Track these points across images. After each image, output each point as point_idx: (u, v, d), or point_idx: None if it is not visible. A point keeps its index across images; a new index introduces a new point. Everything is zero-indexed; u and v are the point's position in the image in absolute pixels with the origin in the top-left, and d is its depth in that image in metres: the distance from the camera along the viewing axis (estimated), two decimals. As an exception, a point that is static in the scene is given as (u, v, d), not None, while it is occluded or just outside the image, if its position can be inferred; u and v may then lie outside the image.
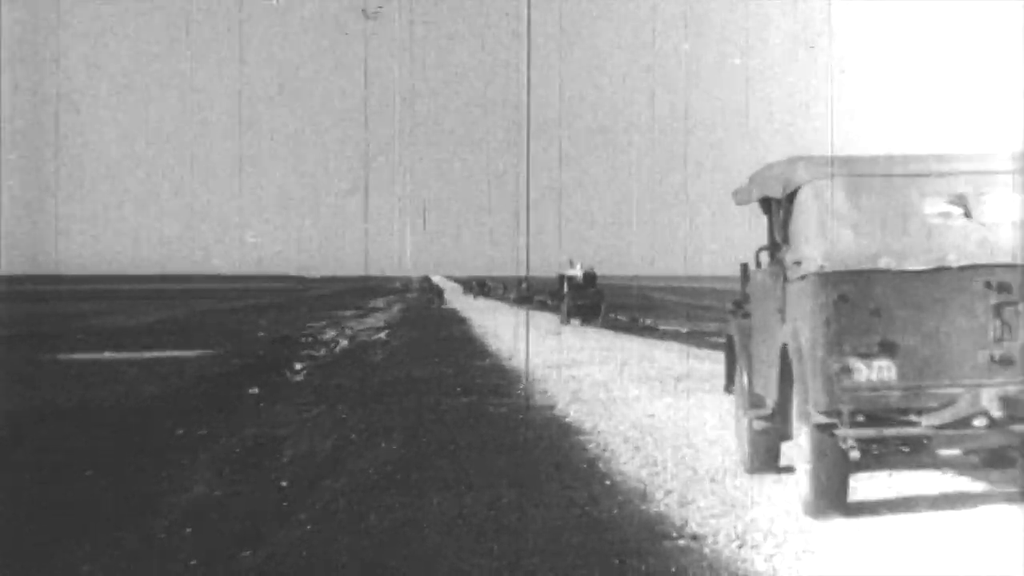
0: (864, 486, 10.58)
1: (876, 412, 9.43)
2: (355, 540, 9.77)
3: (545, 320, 48.68)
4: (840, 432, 9.40)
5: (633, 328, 42.56)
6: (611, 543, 9.49)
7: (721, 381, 12.85)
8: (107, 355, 28.75)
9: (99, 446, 14.88)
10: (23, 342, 33.07)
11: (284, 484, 12.37)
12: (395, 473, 12.66)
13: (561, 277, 46.50)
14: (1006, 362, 9.39)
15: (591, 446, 14.20)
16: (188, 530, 10.45)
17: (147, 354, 28.88)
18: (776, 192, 10.57)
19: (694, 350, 30.31)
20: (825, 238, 9.63)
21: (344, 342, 35.91)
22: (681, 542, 9.49)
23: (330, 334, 39.67)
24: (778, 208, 10.65)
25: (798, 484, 10.10)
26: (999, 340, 9.42)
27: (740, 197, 11.82)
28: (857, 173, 9.78)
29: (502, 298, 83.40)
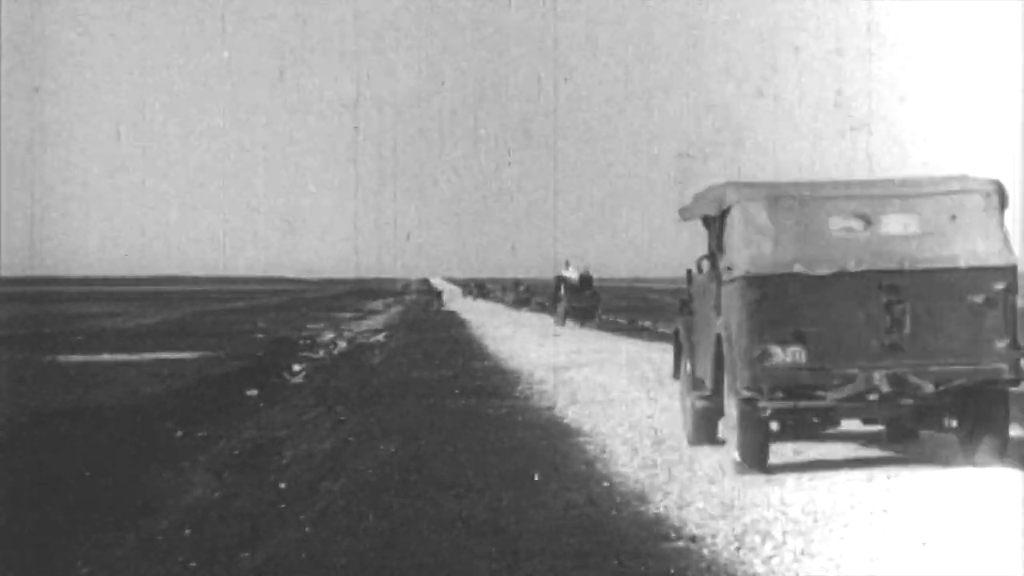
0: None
1: (790, 388, 11.53)
2: (354, 542, 9.78)
3: (544, 322, 48.70)
4: (761, 404, 11.53)
5: (631, 330, 42.58)
6: (610, 544, 9.51)
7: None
8: (106, 357, 28.76)
9: (98, 448, 14.90)
10: (22, 343, 33.08)
11: (283, 486, 12.39)
12: (394, 475, 12.67)
13: (558, 279, 47.00)
14: (894, 348, 11.50)
15: (590, 447, 14.21)
16: (187, 531, 10.47)
17: (146, 356, 28.89)
18: (712, 211, 12.64)
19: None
20: (750, 248, 11.70)
21: (343, 344, 35.92)
22: (680, 543, 9.51)
23: (329, 336, 39.68)
24: (714, 224, 12.73)
25: (728, 450, 12.15)
26: (889, 331, 11.49)
27: (685, 214, 13.90)
28: (776, 196, 11.86)
29: (500, 300, 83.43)
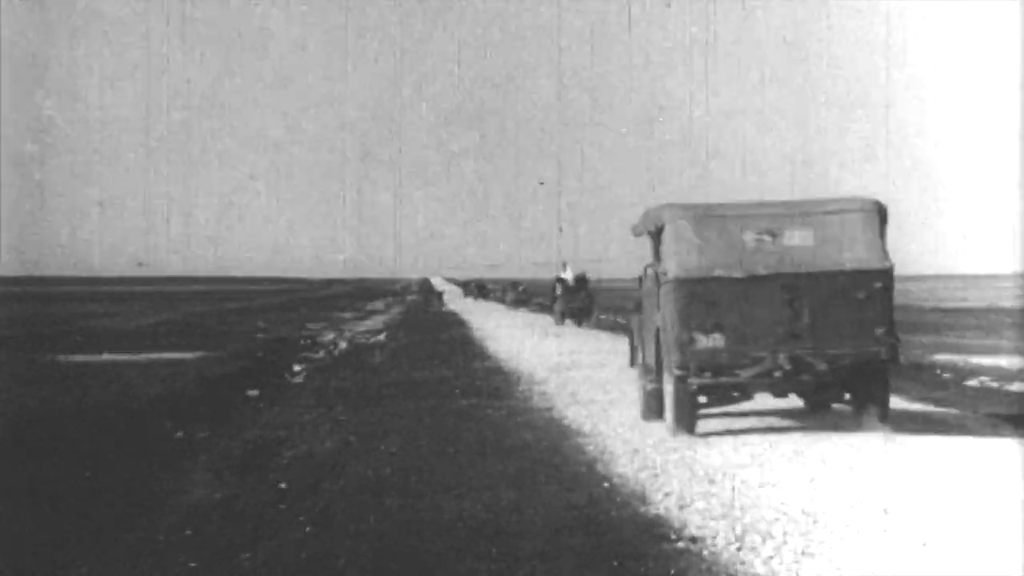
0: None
1: (712, 368, 14.27)
2: (354, 543, 9.78)
3: (543, 322, 48.74)
4: (690, 381, 14.35)
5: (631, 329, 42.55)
6: (610, 545, 9.51)
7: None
8: (106, 356, 28.76)
9: (98, 448, 14.89)
10: (22, 343, 33.09)
11: (283, 486, 12.39)
12: (394, 476, 12.68)
13: (556, 280, 47.85)
14: (795, 335, 14.25)
15: (590, 448, 14.22)
16: (188, 532, 10.47)
17: (146, 356, 28.89)
18: (652, 228, 15.39)
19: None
20: (680, 257, 14.49)
21: (343, 344, 35.92)
22: (680, 544, 9.51)
23: (329, 336, 39.69)
24: (655, 238, 15.39)
25: (667, 418, 14.93)
26: (790, 321, 14.25)
27: (635, 231, 16.49)
28: (700, 215, 14.60)
29: (501, 300, 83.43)
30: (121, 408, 18.45)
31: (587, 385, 21.19)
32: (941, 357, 27.66)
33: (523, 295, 77.31)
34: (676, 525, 10.12)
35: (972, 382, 22.22)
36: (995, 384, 21.75)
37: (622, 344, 31.10)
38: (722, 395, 14.75)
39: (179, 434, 16.24)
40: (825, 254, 14.51)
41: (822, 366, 14.25)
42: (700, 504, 10.90)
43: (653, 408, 15.82)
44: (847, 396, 14.95)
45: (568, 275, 46.70)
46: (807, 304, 14.31)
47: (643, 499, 11.20)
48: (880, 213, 14.76)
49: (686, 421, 14.61)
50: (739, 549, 9.33)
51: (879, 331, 14.35)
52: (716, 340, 14.28)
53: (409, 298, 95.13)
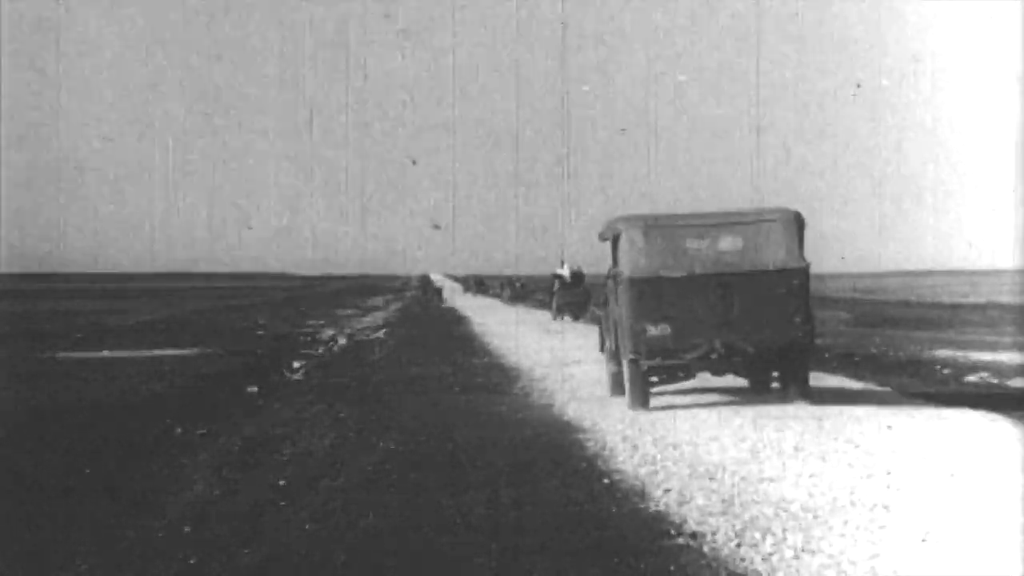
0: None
1: (660, 352, 16.79)
2: (354, 539, 9.78)
3: (542, 317, 48.75)
4: (642, 363, 16.90)
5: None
6: (610, 541, 9.51)
7: (720, 380, 18.58)
8: (106, 354, 28.77)
9: (97, 444, 14.89)
10: (22, 341, 33.09)
11: (283, 483, 12.39)
12: (393, 472, 12.67)
13: (553, 276, 48.42)
14: (728, 324, 16.70)
15: (590, 444, 14.22)
16: (187, 529, 10.46)
17: (146, 353, 28.90)
18: (611, 236, 17.82)
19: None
20: (632, 260, 17.08)
21: (343, 340, 35.91)
22: (680, 540, 9.51)
23: (329, 333, 39.68)
24: (614, 244, 17.77)
25: (626, 395, 17.34)
26: (724, 313, 16.72)
27: (601, 236, 18.49)
28: (649, 225, 17.15)
29: (499, 296, 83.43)
30: (121, 405, 18.45)
31: (586, 381, 21.18)
32: (941, 353, 27.67)
33: (520, 291, 77.34)
34: (673, 515, 10.07)
35: (971, 378, 22.22)
36: (995, 380, 21.76)
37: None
38: (670, 375, 17.40)
39: (178, 431, 16.24)
40: (752, 257, 17.08)
41: (751, 349, 16.88)
42: (701, 501, 10.94)
43: (617, 387, 18.24)
44: (774, 374, 17.72)
45: (565, 271, 47.15)
46: (737, 298, 16.86)
47: (642, 495, 11.20)
48: (798, 222, 17.29)
49: (640, 398, 17.13)
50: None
51: (797, 320, 16.87)
52: (663, 329, 16.82)
53: (409, 294, 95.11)
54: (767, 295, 16.82)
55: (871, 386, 20.66)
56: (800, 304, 16.85)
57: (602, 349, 19.77)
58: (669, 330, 16.74)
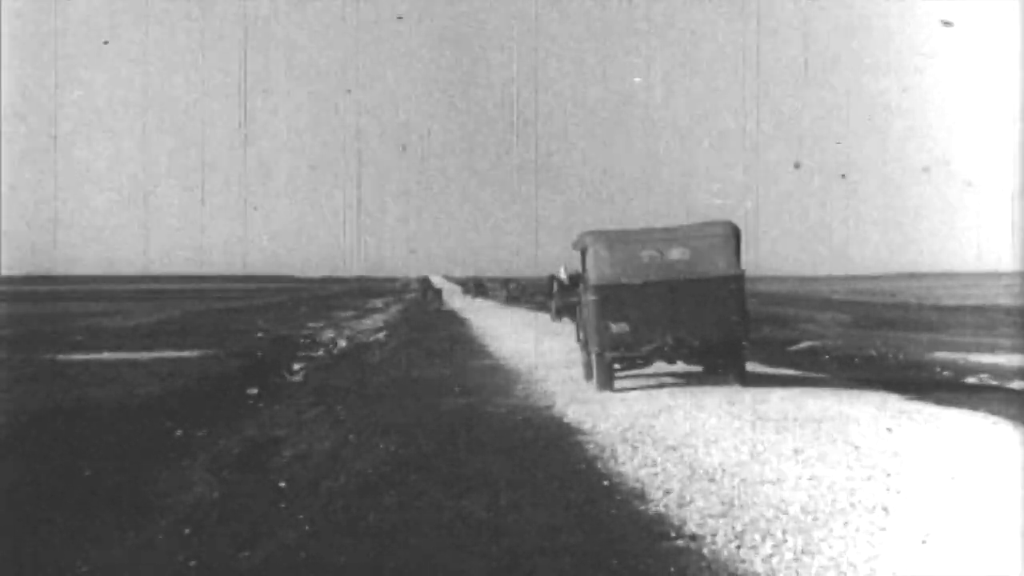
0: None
1: (621, 346, 19.72)
2: (354, 541, 9.78)
3: (541, 319, 48.75)
4: (606, 355, 19.90)
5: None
6: (609, 543, 9.51)
7: (718, 380, 20.57)
8: (106, 355, 28.76)
9: (97, 447, 14.89)
10: (22, 342, 33.09)
11: (283, 485, 12.39)
12: (393, 474, 12.67)
13: (550, 279, 48.74)
14: (677, 322, 19.57)
15: (590, 446, 14.22)
16: (187, 531, 10.47)
17: (146, 354, 28.89)
18: (580, 248, 20.71)
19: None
20: (597, 270, 19.92)
21: (343, 343, 35.92)
22: (680, 542, 9.51)
23: (329, 335, 39.68)
24: (583, 255, 20.57)
25: (594, 379, 20.30)
26: (673, 313, 19.57)
27: (573, 247, 21.18)
28: (611, 240, 20.02)
29: (498, 298, 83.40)
30: (121, 407, 18.45)
31: (586, 383, 21.18)
32: (940, 355, 27.67)
33: (515, 292, 77.38)
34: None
35: (971, 379, 22.22)
36: (995, 382, 21.76)
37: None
38: (629, 364, 20.26)
39: (178, 433, 16.24)
40: (696, 265, 19.85)
41: (696, 343, 19.74)
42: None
43: (590, 372, 21.09)
44: (719, 362, 20.31)
45: (563, 274, 47.41)
46: (684, 300, 19.71)
47: (642, 497, 11.21)
48: (735, 234, 19.94)
49: (606, 383, 20.11)
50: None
51: (734, 318, 19.66)
52: (623, 327, 19.77)
53: (408, 297, 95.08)
54: (708, 298, 19.72)
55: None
56: (736, 305, 19.72)
57: (577, 340, 23.06)
58: (628, 327, 19.81)
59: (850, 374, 23.54)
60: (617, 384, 20.14)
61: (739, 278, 19.69)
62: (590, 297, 20.06)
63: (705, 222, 20.28)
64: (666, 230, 20.20)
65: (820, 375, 23.04)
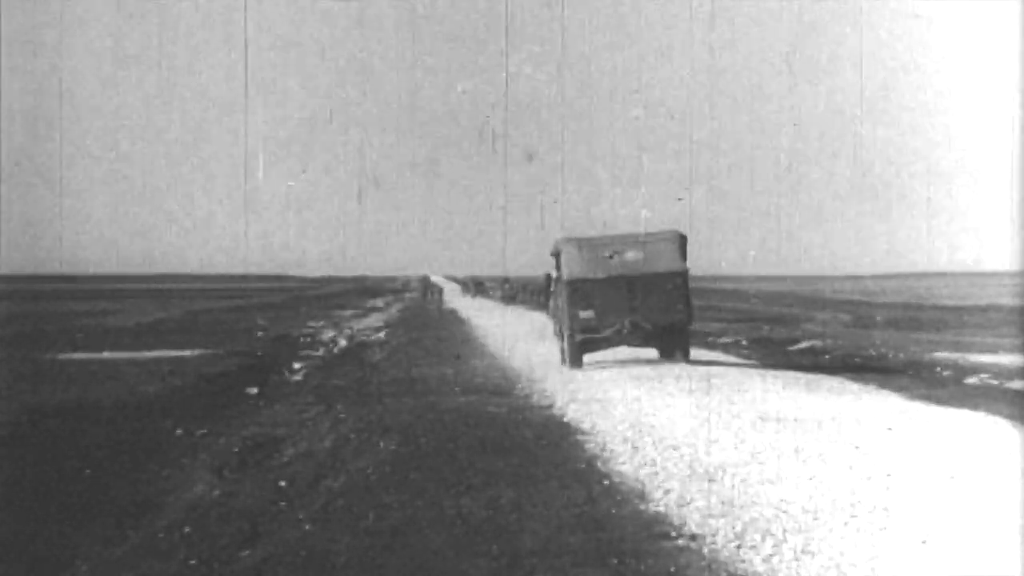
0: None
1: (588, 329, 23.83)
2: (354, 540, 9.78)
3: (540, 319, 48.72)
4: (576, 337, 23.99)
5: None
6: (609, 542, 9.51)
7: (717, 380, 21.28)
8: (106, 355, 28.76)
9: (98, 445, 14.89)
10: (22, 341, 33.09)
11: (283, 484, 12.39)
12: (394, 473, 12.67)
13: (547, 277, 48.84)
14: (633, 310, 23.74)
15: (589, 446, 14.21)
16: (187, 529, 10.46)
17: (146, 354, 28.88)
18: (555, 252, 25.17)
19: (692, 350, 30.31)
20: (568, 268, 24.14)
21: (343, 342, 35.90)
22: (680, 542, 9.51)
23: (329, 334, 39.66)
24: (557, 258, 25.10)
25: (565, 359, 24.54)
26: (630, 302, 23.74)
27: (551, 252, 25.67)
28: (580, 244, 24.34)
29: (495, 297, 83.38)
30: (121, 406, 18.45)
31: (586, 383, 21.18)
32: (940, 355, 27.66)
33: (510, 291, 77.49)
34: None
35: (972, 379, 22.22)
36: (995, 381, 21.75)
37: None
38: (594, 346, 24.49)
39: (179, 431, 16.24)
40: (649, 264, 24.24)
41: (648, 327, 24.26)
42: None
43: (564, 356, 24.97)
44: (670, 343, 24.59)
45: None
46: (639, 293, 24.06)
47: (643, 497, 11.21)
48: (681, 239, 24.54)
49: (575, 361, 24.41)
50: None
51: (679, 307, 24.15)
52: (589, 314, 24.12)
53: (409, 296, 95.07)
54: (658, 290, 24.09)
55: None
56: (681, 296, 24.20)
57: (555, 332, 26.86)
58: (593, 314, 24.15)
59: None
60: (587, 358, 24.55)
61: (683, 274, 24.25)
62: (563, 291, 24.59)
63: (657, 231, 24.64)
64: (624, 236, 24.63)
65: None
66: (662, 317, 23.98)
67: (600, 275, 23.96)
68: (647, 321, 23.92)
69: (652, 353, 25.02)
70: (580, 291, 24.03)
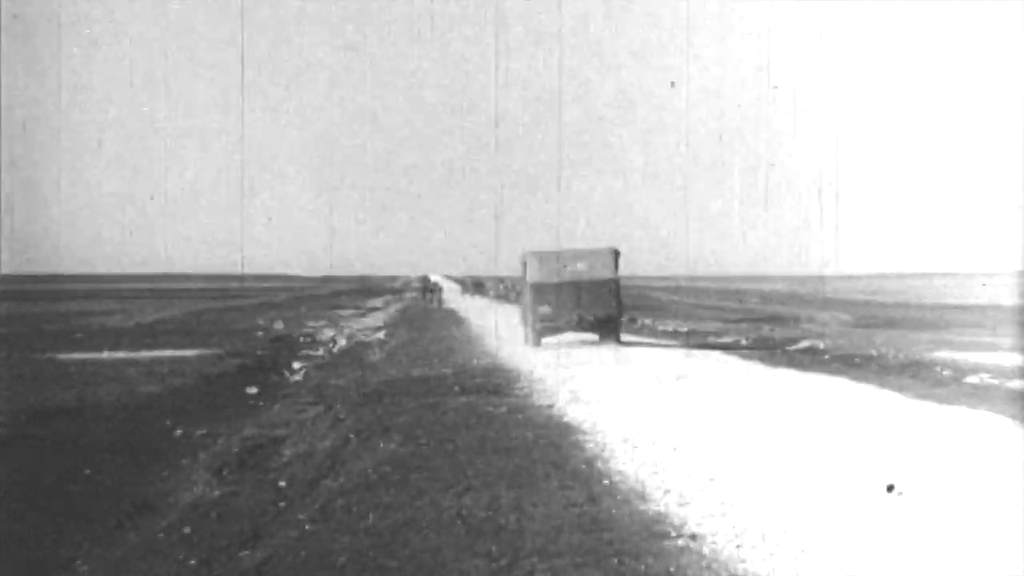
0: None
1: (545, 320, 32.41)
2: (354, 540, 9.77)
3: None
4: (536, 325, 32.65)
5: (630, 328, 42.71)
6: (610, 542, 9.51)
7: (716, 381, 21.59)
8: (106, 355, 28.74)
9: (98, 446, 14.89)
10: (23, 341, 33.08)
11: (282, 484, 12.38)
12: (393, 473, 12.66)
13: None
14: (579, 306, 32.48)
15: (590, 446, 14.21)
16: (187, 530, 10.46)
17: (146, 354, 28.87)
18: (523, 262, 33.93)
19: (693, 351, 30.32)
20: (531, 273, 33.13)
21: (342, 342, 35.90)
22: (680, 542, 9.51)
23: (328, 334, 39.65)
24: (524, 266, 33.75)
25: (527, 340, 32.91)
26: (577, 300, 32.52)
27: (520, 261, 34.05)
28: (541, 257, 33.12)
29: (500, 297, 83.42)
30: (121, 406, 18.44)
31: (586, 383, 21.19)
32: (941, 354, 27.66)
33: (502, 292, 77.72)
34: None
35: (972, 379, 22.21)
36: (995, 381, 21.75)
37: (627, 341, 31.38)
38: (550, 332, 32.30)
39: (178, 432, 16.23)
40: (590, 272, 32.45)
41: (590, 318, 32.37)
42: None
43: (527, 337, 32.77)
44: (609, 328, 32.86)
45: None
46: (584, 293, 32.27)
47: (643, 497, 11.21)
48: (615, 254, 32.87)
49: (536, 342, 32.14)
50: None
51: (613, 304, 32.42)
52: (546, 308, 32.22)
53: (408, 295, 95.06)
54: (597, 292, 32.43)
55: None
56: (614, 296, 32.54)
57: (521, 320, 34.74)
58: (549, 308, 32.35)
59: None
60: (545, 341, 32.23)
61: (615, 280, 32.75)
62: (528, 290, 33.09)
63: (596, 248, 33.16)
64: (573, 251, 33.15)
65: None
66: (599, 311, 32.44)
67: (555, 280, 32.59)
68: (589, 314, 32.47)
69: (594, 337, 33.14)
70: (540, 291, 32.43)
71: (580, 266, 32.22)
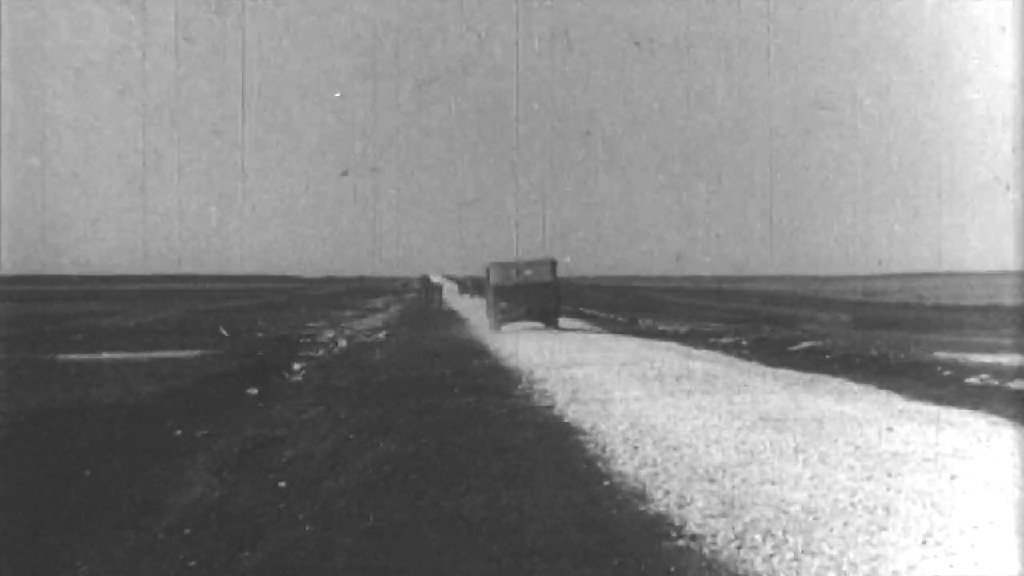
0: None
1: (504, 312, 42.90)
2: (354, 541, 9.77)
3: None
4: (497, 316, 42.96)
5: (631, 329, 42.74)
6: (610, 543, 9.50)
7: (718, 382, 21.45)
8: (106, 355, 28.74)
9: (98, 447, 14.88)
10: (22, 342, 33.07)
11: (283, 485, 12.38)
12: (394, 474, 12.66)
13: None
14: (528, 302, 42.85)
15: (590, 446, 14.21)
16: (187, 531, 10.46)
17: (146, 354, 28.86)
18: (487, 270, 44.84)
19: (693, 351, 30.31)
20: (494, 279, 43.71)
21: (343, 342, 35.90)
22: (680, 543, 9.51)
23: (328, 334, 39.66)
24: (488, 272, 44.53)
25: (490, 326, 43.09)
26: (526, 297, 42.84)
27: (485, 269, 45.65)
28: (499, 265, 43.89)
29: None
30: (120, 407, 18.44)
31: (587, 383, 21.20)
32: (941, 354, 27.66)
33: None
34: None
35: (972, 379, 22.21)
36: (995, 381, 21.75)
37: (626, 342, 31.41)
38: (508, 321, 41.50)
39: (178, 432, 16.23)
40: (536, 277, 42.19)
41: (537, 311, 41.61)
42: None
43: (490, 325, 41.68)
44: (551, 316, 42.45)
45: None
46: (531, 293, 41.90)
47: (643, 497, 11.21)
48: (553, 264, 42.78)
49: (497, 328, 40.82)
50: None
51: (551, 301, 41.96)
52: (504, 305, 41.85)
53: (409, 296, 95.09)
54: (541, 292, 41.82)
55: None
56: (553, 295, 42.13)
57: (487, 311, 43.80)
58: (506, 304, 41.57)
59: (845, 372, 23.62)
60: (504, 328, 41.07)
61: (555, 283, 42.46)
62: (491, 291, 42.60)
63: (539, 259, 42.84)
64: (524, 262, 42.53)
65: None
66: (543, 306, 42.14)
67: (510, 283, 42.30)
68: (536, 308, 42.08)
69: (539, 325, 41.88)
70: (499, 291, 42.28)
71: (528, 272, 42.76)
